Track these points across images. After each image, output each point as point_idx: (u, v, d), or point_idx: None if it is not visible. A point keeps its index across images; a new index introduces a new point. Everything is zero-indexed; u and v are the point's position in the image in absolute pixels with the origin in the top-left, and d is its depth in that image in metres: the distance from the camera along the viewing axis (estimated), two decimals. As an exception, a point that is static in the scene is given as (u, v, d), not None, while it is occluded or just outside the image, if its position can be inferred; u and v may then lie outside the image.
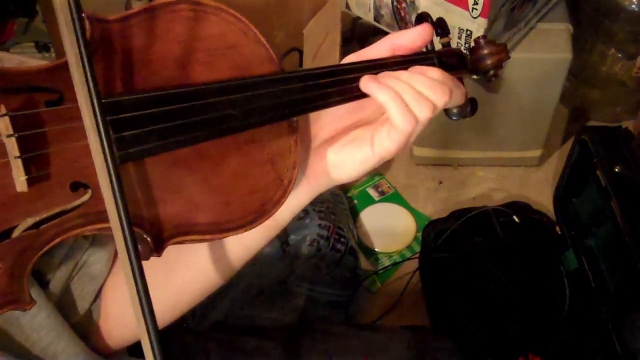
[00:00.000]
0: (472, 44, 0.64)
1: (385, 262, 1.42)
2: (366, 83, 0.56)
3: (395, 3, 1.25)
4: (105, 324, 0.69)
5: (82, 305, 0.67)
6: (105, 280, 0.68)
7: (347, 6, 1.36)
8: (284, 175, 0.56)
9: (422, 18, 0.61)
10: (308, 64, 1.44)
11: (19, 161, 0.45)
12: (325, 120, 0.60)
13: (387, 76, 0.56)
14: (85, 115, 0.44)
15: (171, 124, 0.50)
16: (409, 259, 1.42)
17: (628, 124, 1.57)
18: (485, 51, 0.63)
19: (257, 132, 0.55)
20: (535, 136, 1.49)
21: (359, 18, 1.46)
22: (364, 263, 1.39)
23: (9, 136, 0.45)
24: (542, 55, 1.31)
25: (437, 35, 0.61)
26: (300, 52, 1.52)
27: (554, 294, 1.24)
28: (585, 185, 1.22)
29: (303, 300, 1.22)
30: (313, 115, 0.59)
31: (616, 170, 1.10)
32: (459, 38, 1.18)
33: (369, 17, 1.34)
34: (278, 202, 0.56)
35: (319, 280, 1.24)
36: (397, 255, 1.43)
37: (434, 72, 0.57)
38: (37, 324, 0.61)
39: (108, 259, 0.68)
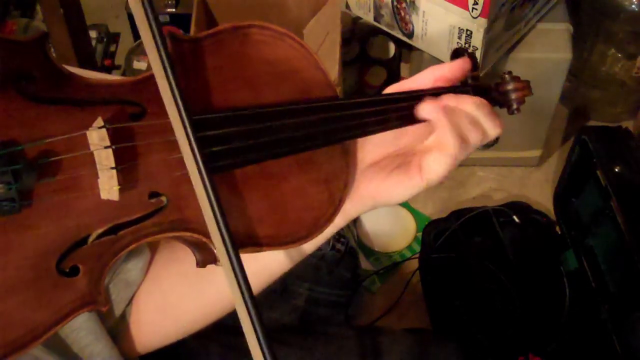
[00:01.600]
0: (499, 79, 0.68)
1: (385, 262, 1.42)
2: (428, 109, 0.59)
3: (395, 3, 1.25)
4: (136, 330, 0.70)
5: (116, 310, 0.68)
6: (139, 287, 0.69)
7: (347, 6, 1.36)
8: (336, 194, 0.60)
9: (459, 53, 0.65)
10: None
11: (114, 172, 0.48)
12: (371, 145, 0.63)
13: (448, 105, 0.60)
14: (178, 132, 0.48)
15: (249, 142, 0.54)
16: (409, 259, 1.42)
17: (628, 124, 1.57)
18: (510, 87, 0.67)
19: (315, 153, 0.58)
20: (535, 136, 1.49)
21: (359, 18, 1.46)
22: (364, 263, 1.39)
23: (106, 147, 0.48)
24: (542, 55, 1.31)
25: None
26: (300, 52, 1.51)
27: (554, 294, 1.24)
28: (585, 185, 1.22)
29: (303, 300, 1.22)
30: (360, 140, 0.62)
31: (616, 170, 1.10)
32: (459, 38, 1.18)
33: (369, 17, 1.34)
34: (329, 220, 0.59)
35: (319, 280, 1.24)
36: (397, 255, 1.43)
37: (486, 103, 0.61)
38: (77, 324, 0.63)
39: (143, 266, 0.69)
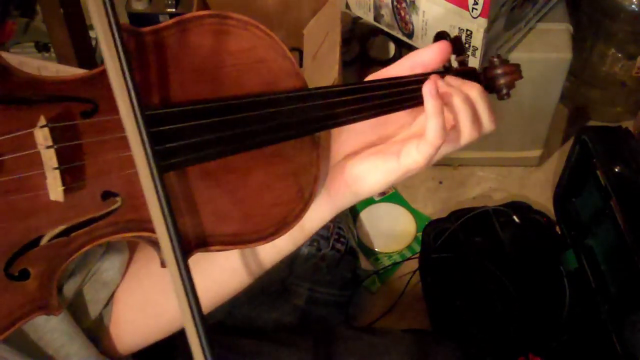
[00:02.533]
0: (487, 64, 0.65)
1: (385, 262, 1.42)
2: (427, 86, 0.56)
3: (395, 3, 1.25)
4: (116, 330, 0.69)
5: (93, 311, 0.67)
6: (117, 286, 0.69)
7: (347, 6, 1.36)
8: (306, 189, 0.58)
9: (441, 36, 0.62)
10: (308, 63, 1.44)
11: (57, 172, 0.46)
12: (348, 135, 0.61)
13: (451, 88, 0.57)
14: (128, 127, 0.45)
15: (207, 137, 0.51)
16: (409, 259, 1.42)
17: (628, 124, 1.57)
18: (499, 71, 0.64)
19: (282, 146, 0.56)
20: (535, 136, 1.49)
21: (359, 18, 1.46)
22: (364, 263, 1.39)
23: (48, 147, 0.46)
24: (542, 55, 1.31)
25: (453, 53, 0.62)
26: (300, 52, 1.52)
27: (554, 294, 1.24)
28: (585, 185, 1.22)
29: (303, 300, 1.22)
30: (335, 130, 0.60)
31: (616, 170, 1.10)
32: (459, 38, 1.18)
33: (369, 17, 1.34)
34: (299, 215, 0.57)
35: (319, 280, 1.24)
36: (397, 255, 1.43)
37: (486, 96, 0.59)
38: (50, 326, 0.62)
39: (121, 266, 0.69)
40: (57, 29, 1.35)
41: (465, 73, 0.63)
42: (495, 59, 0.64)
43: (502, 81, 0.64)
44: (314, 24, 1.41)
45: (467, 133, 0.57)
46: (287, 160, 0.57)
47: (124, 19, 1.71)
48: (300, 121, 0.55)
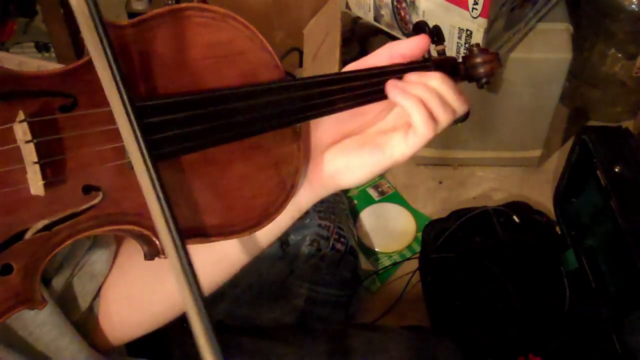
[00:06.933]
0: (466, 52, 0.66)
1: (385, 262, 1.42)
2: (391, 90, 0.57)
3: (395, 3, 1.25)
4: (105, 322, 0.69)
5: (82, 303, 0.67)
6: (105, 278, 0.69)
7: (347, 6, 1.36)
8: (287, 180, 0.58)
9: (420, 27, 0.62)
10: (308, 63, 1.44)
11: (37, 166, 0.46)
12: (328, 125, 0.61)
13: (412, 83, 0.58)
14: (120, 118, 0.45)
15: (187, 130, 0.51)
16: (409, 259, 1.42)
17: (628, 124, 1.57)
18: (479, 60, 0.64)
19: (262, 137, 0.56)
20: (535, 136, 1.49)
21: (359, 18, 1.46)
22: (364, 263, 1.39)
23: (27, 142, 0.46)
24: (542, 55, 1.31)
25: (432, 43, 0.63)
26: (300, 52, 1.52)
27: (554, 294, 1.24)
28: (585, 185, 1.22)
29: (303, 300, 1.22)
30: (315, 120, 0.60)
31: (616, 170, 1.10)
32: (459, 38, 1.18)
33: (369, 17, 1.34)
34: (281, 206, 0.57)
35: (319, 280, 1.24)
36: (397, 255, 1.43)
37: (449, 81, 0.59)
38: (40, 320, 0.62)
39: (108, 258, 0.69)
40: (57, 29, 1.35)
41: (445, 62, 0.63)
42: (475, 48, 0.64)
43: (481, 70, 0.64)
44: (314, 24, 1.41)
45: (442, 118, 0.57)
46: (268, 152, 0.57)
47: (124, 19, 1.71)
48: (279, 112, 0.56)
